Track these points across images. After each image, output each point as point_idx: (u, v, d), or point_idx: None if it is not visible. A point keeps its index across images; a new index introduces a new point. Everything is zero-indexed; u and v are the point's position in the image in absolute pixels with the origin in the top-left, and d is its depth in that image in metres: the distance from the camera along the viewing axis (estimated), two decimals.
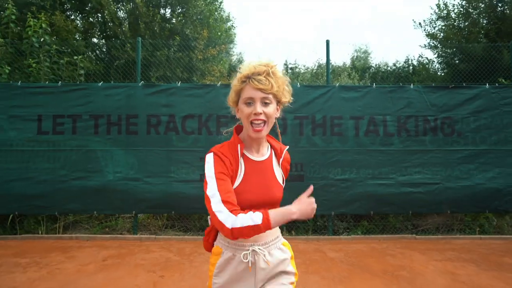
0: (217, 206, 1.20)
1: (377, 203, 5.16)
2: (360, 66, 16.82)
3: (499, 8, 8.80)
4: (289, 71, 13.84)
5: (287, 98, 1.40)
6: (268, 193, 1.36)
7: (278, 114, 1.40)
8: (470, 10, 9.93)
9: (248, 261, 1.33)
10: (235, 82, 1.36)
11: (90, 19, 8.39)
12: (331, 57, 5.58)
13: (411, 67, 13.50)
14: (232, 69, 11.42)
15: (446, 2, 10.48)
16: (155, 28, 7.65)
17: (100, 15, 8.49)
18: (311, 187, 1.31)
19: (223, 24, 10.21)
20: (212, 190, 1.24)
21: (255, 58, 1.34)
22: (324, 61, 5.63)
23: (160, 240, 5.07)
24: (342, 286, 3.34)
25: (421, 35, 11.11)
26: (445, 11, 10.56)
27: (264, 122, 1.33)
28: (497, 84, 5.39)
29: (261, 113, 1.30)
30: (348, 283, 3.39)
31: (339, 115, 5.23)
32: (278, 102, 1.38)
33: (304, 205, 1.25)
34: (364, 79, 10.24)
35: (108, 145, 5.10)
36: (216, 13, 9.64)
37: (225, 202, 1.20)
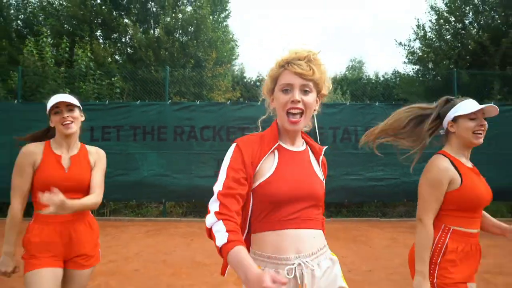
0: (212, 202, 1.12)
1: (350, 193, 6.69)
2: (353, 77, 18.44)
3: (462, 33, 10.31)
4: None
5: (327, 90, 1.26)
6: (304, 185, 1.23)
7: (317, 107, 1.27)
8: (443, 31, 11.44)
9: (296, 278, 1.13)
10: (272, 67, 1.24)
11: (118, 44, 10.02)
12: (328, 66, 7.15)
13: (398, 79, 15.13)
14: (234, 81, 13.06)
15: (424, 24, 12.03)
16: (174, 53, 9.26)
17: (124, 40, 10.14)
18: None
19: (228, 45, 11.83)
20: (217, 184, 1.15)
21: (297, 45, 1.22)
22: None
23: (183, 221, 6.61)
24: None
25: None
26: (423, 31, 12.08)
27: (302, 112, 1.20)
28: None
29: (299, 101, 1.17)
30: None
31: (321, 126, 6.78)
32: (318, 92, 1.25)
33: (262, 277, 0.85)
34: (346, 95, 11.85)
35: (144, 149, 6.67)
36: (222, 35, 11.27)
37: (221, 203, 1.09)
